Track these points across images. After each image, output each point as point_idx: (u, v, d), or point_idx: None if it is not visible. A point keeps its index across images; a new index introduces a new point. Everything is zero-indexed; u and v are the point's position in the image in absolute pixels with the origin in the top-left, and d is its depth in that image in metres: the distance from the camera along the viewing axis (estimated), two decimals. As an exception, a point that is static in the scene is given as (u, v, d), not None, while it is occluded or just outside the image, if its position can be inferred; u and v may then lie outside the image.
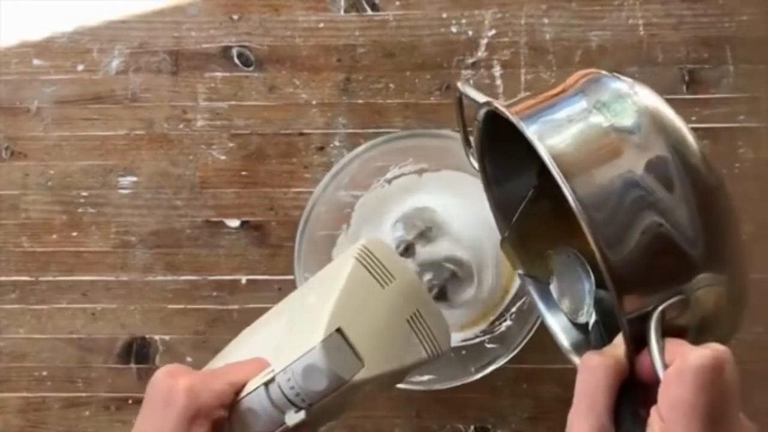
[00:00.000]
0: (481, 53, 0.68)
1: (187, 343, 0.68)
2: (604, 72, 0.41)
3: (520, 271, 0.52)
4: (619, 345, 0.37)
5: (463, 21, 0.68)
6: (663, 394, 0.33)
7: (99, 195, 0.70)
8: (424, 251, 0.63)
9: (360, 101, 0.69)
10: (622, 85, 0.40)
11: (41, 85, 0.71)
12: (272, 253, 0.69)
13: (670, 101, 0.39)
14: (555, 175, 0.36)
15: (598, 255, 0.35)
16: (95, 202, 0.70)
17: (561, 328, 0.48)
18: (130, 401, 0.68)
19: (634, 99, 0.39)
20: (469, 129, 0.50)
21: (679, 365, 0.33)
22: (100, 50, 0.71)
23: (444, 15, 0.68)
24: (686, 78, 0.67)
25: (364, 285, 0.48)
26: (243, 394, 0.45)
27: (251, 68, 0.70)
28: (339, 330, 0.45)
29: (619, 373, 0.36)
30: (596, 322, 0.43)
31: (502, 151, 0.49)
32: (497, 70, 0.68)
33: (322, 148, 0.69)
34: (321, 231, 0.64)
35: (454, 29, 0.68)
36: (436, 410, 0.66)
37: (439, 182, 0.65)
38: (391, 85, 0.69)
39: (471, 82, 0.68)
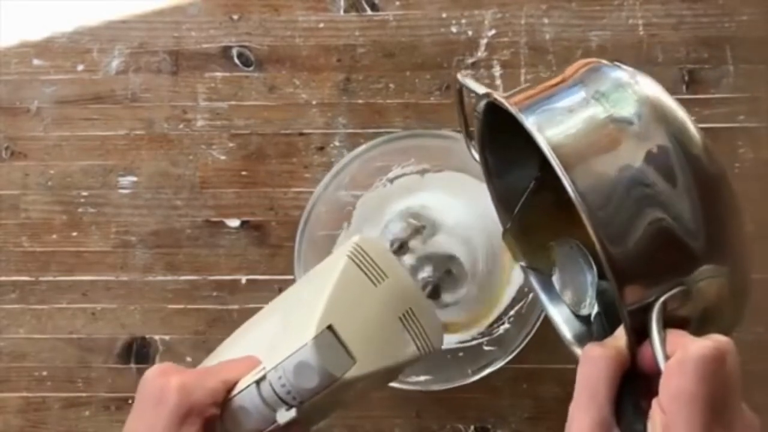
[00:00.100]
0: (481, 53, 0.68)
1: (187, 343, 0.68)
2: (604, 61, 0.41)
3: (523, 263, 0.52)
4: (620, 336, 0.37)
5: (463, 21, 0.68)
6: (664, 385, 0.33)
7: (99, 195, 0.70)
8: (418, 249, 0.63)
9: (360, 101, 0.69)
10: (622, 74, 0.39)
11: (41, 85, 0.71)
12: (272, 253, 0.69)
13: (670, 101, 0.39)
14: (554, 166, 0.36)
15: (598, 246, 0.35)
16: (95, 202, 0.70)
17: (563, 320, 0.48)
18: (130, 401, 0.68)
19: (635, 88, 0.38)
20: (472, 129, 0.50)
21: (681, 356, 0.33)
22: (100, 50, 0.71)
23: (444, 15, 0.68)
24: (686, 78, 0.67)
25: (357, 283, 0.48)
26: (235, 392, 0.45)
27: (251, 68, 0.70)
28: (330, 327, 0.45)
29: (621, 364, 0.36)
30: (598, 313, 0.43)
31: (502, 143, 0.49)
32: (497, 70, 0.68)
33: (322, 148, 0.69)
34: (321, 231, 0.64)
35: (454, 29, 0.68)
36: (436, 410, 0.66)
37: (440, 183, 0.65)
38: (391, 85, 0.69)
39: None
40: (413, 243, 0.63)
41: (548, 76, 0.42)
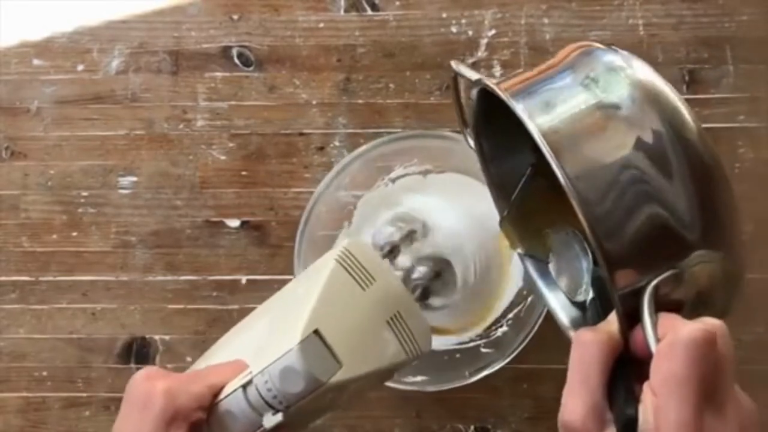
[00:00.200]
0: (481, 53, 0.68)
1: (187, 343, 0.68)
2: (597, 44, 0.40)
3: (520, 251, 0.51)
4: (612, 321, 0.36)
5: (463, 21, 0.68)
6: (655, 368, 0.33)
7: (99, 195, 0.70)
8: (409, 252, 0.63)
9: (360, 101, 0.69)
10: (615, 57, 0.39)
11: (41, 85, 0.71)
12: (272, 253, 0.69)
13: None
14: (545, 153, 0.35)
15: (588, 231, 0.34)
16: (95, 202, 0.70)
17: (560, 306, 0.47)
18: (130, 401, 0.68)
19: (628, 72, 0.38)
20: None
21: (671, 339, 0.33)
22: (100, 50, 0.71)
23: (444, 15, 0.68)
24: (686, 78, 0.67)
25: (344, 287, 0.48)
26: (221, 396, 0.45)
27: (251, 68, 0.70)
28: (316, 332, 0.45)
29: (613, 348, 0.36)
30: (593, 299, 0.42)
31: (498, 130, 0.49)
32: (497, 70, 0.68)
33: (322, 148, 0.69)
34: (321, 231, 0.64)
35: (454, 29, 0.68)
36: (436, 410, 0.66)
37: (441, 184, 0.65)
38: (391, 85, 0.69)
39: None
40: (404, 246, 0.63)
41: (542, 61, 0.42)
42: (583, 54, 0.40)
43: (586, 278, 0.43)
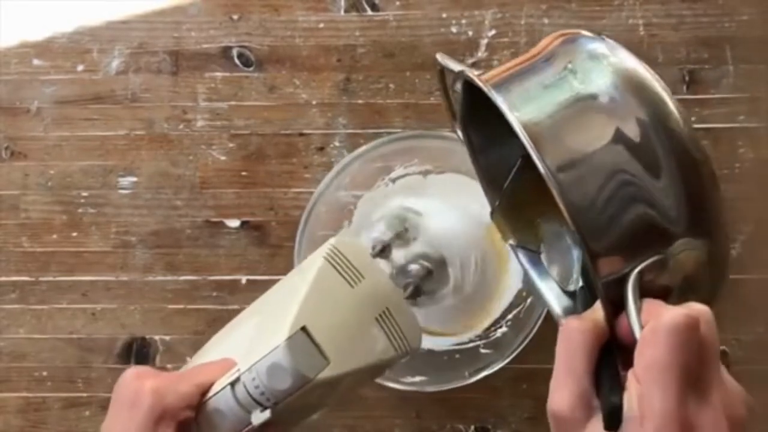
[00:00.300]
0: (481, 53, 0.68)
1: (187, 343, 0.68)
2: (582, 31, 0.40)
3: (512, 242, 0.51)
4: (598, 309, 0.36)
5: (463, 21, 0.68)
6: (638, 354, 0.33)
7: (99, 195, 0.70)
8: (404, 250, 0.63)
9: (360, 101, 0.69)
10: (599, 45, 0.38)
11: (41, 85, 0.71)
12: (272, 253, 0.69)
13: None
14: (525, 144, 0.35)
15: (569, 221, 0.34)
16: (95, 202, 0.70)
17: (553, 296, 0.47)
18: (130, 401, 0.68)
19: (611, 60, 0.37)
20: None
21: (653, 325, 0.32)
22: (100, 50, 0.71)
23: (444, 15, 0.68)
24: (686, 78, 0.67)
25: (332, 284, 0.48)
26: (210, 394, 0.46)
27: (251, 68, 0.70)
28: (304, 328, 0.45)
29: (598, 336, 0.35)
30: (582, 287, 0.42)
31: (485, 121, 0.48)
32: (497, 70, 0.68)
33: (322, 149, 0.69)
34: (321, 231, 0.64)
35: (454, 29, 0.68)
36: (436, 410, 0.66)
37: (441, 185, 0.65)
38: (391, 85, 0.69)
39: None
40: (396, 245, 0.62)
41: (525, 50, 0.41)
42: (567, 41, 0.40)
43: (577, 267, 0.43)
